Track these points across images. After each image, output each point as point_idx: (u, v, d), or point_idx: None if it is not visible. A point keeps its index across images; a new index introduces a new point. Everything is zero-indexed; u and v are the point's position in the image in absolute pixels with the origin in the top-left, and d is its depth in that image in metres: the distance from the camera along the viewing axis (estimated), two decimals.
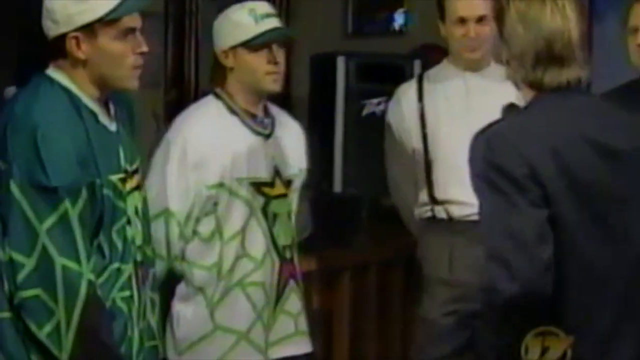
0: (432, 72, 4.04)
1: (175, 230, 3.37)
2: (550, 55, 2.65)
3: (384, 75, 4.41)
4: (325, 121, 5.03)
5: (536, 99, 2.70)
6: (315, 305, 4.37)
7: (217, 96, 3.48)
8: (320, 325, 4.45)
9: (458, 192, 3.67)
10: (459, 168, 3.43)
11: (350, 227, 4.43)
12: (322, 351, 4.46)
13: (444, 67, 4.01)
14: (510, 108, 2.98)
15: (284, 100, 5.85)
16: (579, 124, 2.69)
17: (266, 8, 3.47)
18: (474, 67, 3.94)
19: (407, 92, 4.05)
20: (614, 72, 3.72)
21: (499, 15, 2.69)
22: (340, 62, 5.19)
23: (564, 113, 2.70)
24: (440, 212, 3.94)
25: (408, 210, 4.09)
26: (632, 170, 2.73)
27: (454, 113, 3.88)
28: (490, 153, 2.63)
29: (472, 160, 2.69)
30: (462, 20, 3.86)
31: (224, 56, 3.45)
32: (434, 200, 3.95)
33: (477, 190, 2.67)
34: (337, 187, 4.91)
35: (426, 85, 3.99)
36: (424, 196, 3.97)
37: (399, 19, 5.97)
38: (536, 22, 2.64)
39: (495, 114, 3.49)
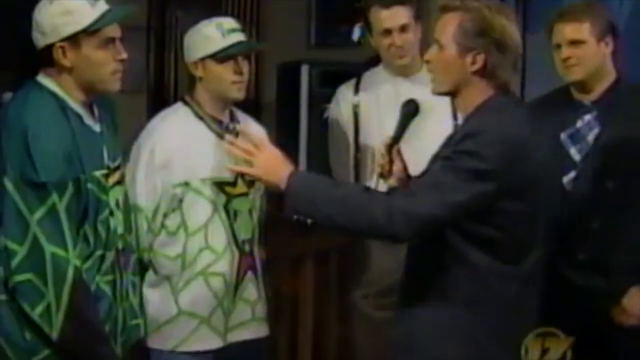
0: (368, 75, 4.01)
1: (143, 224, 3.35)
2: (516, 61, 2.84)
3: (343, 82, 4.40)
4: (291, 123, 5.03)
5: (494, 99, 2.82)
6: (281, 290, 4.37)
7: (186, 103, 3.47)
8: (287, 307, 4.46)
9: (380, 187, 3.64)
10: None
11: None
12: (288, 332, 4.47)
13: (378, 72, 3.97)
14: (409, 103, 3.14)
15: (254, 105, 5.88)
16: (525, 127, 2.80)
17: (233, 24, 3.45)
18: (405, 72, 3.89)
19: (345, 92, 4.02)
20: (544, 79, 3.75)
21: (477, 27, 2.79)
22: (304, 71, 5.19)
23: (517, 116, 2.83)
24: None
25: None
26: (549, 165, 2.90)
27: (383, 116, 3.83)
28: (470, 145, 2.72)
29: (446, 145, 2.82)
30: (387, 31, 3.82)
31: (193, 67, 3.43)
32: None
33: (443, 168, 2.75)
34: None
35: (362, 88, 3.96)
36: None
37: (357, 32, 5.98)
38: (514, 33, 2.81)
39: (423, 117, 3.50)
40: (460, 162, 2.71)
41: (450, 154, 2.75)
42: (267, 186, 2.95)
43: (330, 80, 4.21)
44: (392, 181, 3.06)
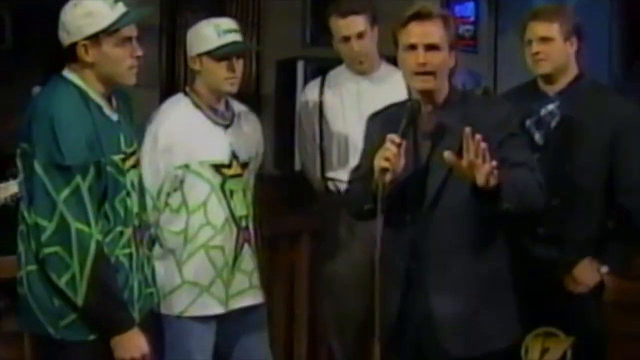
0: (332, 74, 4.01)
1: (149, 203, 3.33)
2: None
3: None
4: (288, 114, 5.03)
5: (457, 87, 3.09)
6: (279, 262, 4.39)
7: (186, 94, 3.48)
8: (284, 278, 4.49)
9: (343, 173, 3.65)
10: (347, 154, 3.47)
11: (307, 198, 4.46)
12: (285, 299, 4.49)
13: (342, 71, 3.97)
14: (412, 103, 3.10)
15: (255, 97, 5.88)
16: None
17: (229, 24, 3.44)
18: (365, 71, 3.90)
19: (312, 88, 4.03)
20: (514, 75, 3.80)
21: (452, 31, 2.98)
22: (300, 66, 5.21)
23: None
24: (330, 185, 3.96)
25: (314, 181, 4.07)
26: None
27: (345, 109, 3.88)
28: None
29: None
30: (346, 38, 3.82)
31: (192, 61, 3.45)
32: (325, 178, 3.96)
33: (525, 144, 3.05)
34: (297, 166, 4.92)
35: (326, 85, 3.97)
36: (319, 173, 4.00)
37: None
38: None
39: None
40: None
41: (515, 130, 3.01)
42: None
43: (323, 74, 4.23)
44: (389, 176, 2.89)
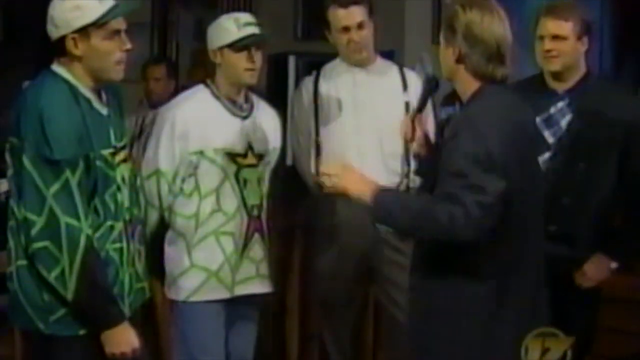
0: (328, 67, 4.02)
1: (164, 186, 3.42)
2: (498, 53, 2.75)
3: None
4: (280, 109, 5.01)
5: (483, 89, 2.77)
6: (273, 255, 4.39)
7: (206, 85, 3.54)
8: (277, 270, 4.49)
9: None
10: (343, 147, 3.45)
11: (299, 193, 4.46)
12: (278, 290, 4.51)
13: (338, 64, 3.98)
14: (430, 80, 3.13)
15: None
16: (513, 113, 2.79)
17: (248, 18, 3.52)
18: (361, 64, 3.91)
19: (307, 83, 4.04)
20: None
21: (450, 23, 2.78)
22: (292, 61, 5.20)
23: (505, 102, 2.79)
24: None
25: (307, 176, 4.06)
26: (537, 151, 2.90)
27: (341, 102, 3.89)
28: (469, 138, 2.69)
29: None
30: (345, 29, 3.84)
31: (213, 54, 3.50)
32: (319, 173, 3.97)
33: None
34: (289, 161, 4.92)
35: (322, 78, 3.98)
36: (314, 168, 3.98)
37: None
38: (488, 28, 2.74)
39: (377, 104, 3.66)
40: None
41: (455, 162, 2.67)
42: (355, 199, 2.84)
43: (314, 69, 4.22)
44: (415, 146, 3.06)
